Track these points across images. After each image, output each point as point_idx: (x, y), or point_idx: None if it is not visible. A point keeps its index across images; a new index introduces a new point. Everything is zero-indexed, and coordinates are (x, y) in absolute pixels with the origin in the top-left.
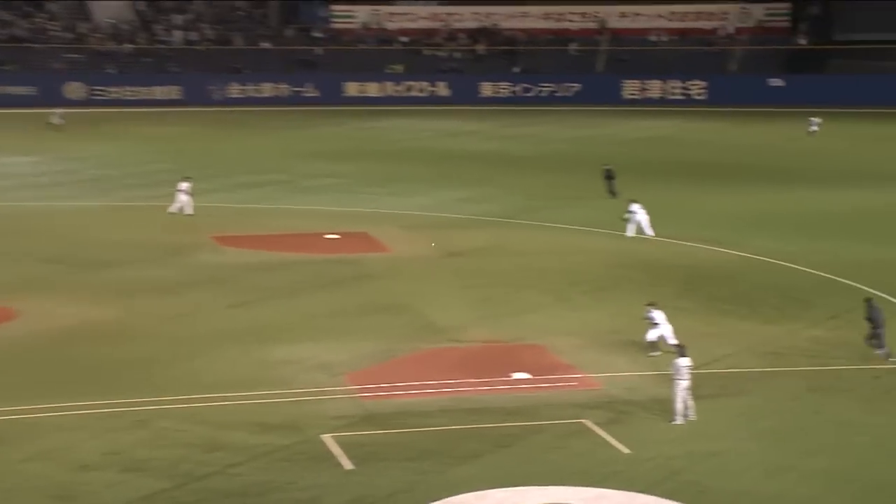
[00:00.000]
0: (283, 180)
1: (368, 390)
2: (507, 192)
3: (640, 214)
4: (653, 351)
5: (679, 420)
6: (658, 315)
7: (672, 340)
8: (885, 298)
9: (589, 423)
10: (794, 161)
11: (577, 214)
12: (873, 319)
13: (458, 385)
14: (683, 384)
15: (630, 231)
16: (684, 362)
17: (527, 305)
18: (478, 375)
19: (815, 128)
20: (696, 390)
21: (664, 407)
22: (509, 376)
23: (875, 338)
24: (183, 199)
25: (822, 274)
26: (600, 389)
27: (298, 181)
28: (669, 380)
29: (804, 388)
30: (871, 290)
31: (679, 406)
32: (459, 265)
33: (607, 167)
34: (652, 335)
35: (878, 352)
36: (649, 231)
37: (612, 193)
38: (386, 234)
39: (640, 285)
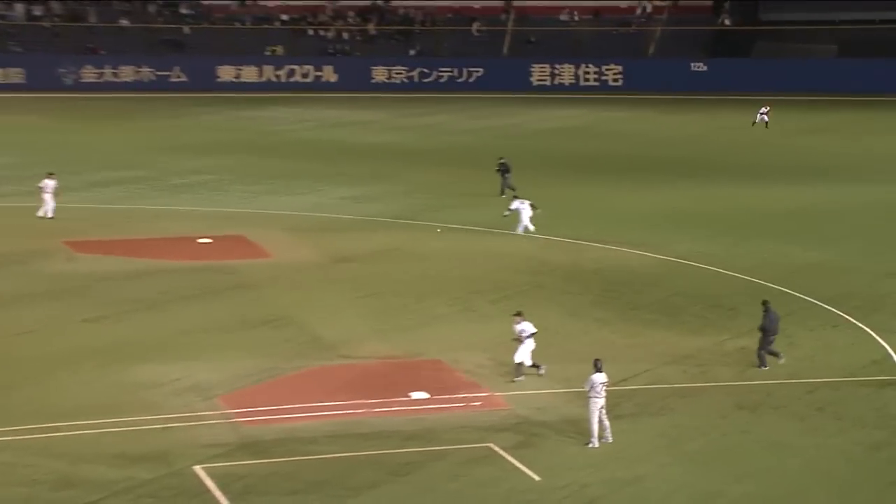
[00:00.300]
0: (148, 177)
1: (247, 414)
2: (403, 189)
3: (523, 210)
4: (517, 375)
5: (595, 443)
6: (527, 328)
7: (528, 361)
8: (819, 306)
9: (495, 448)
10: (719, 154)
11: (481, 215)
12: (766, 329)
13: (350, 407)
14: (599, 402)
15: (521, 229)
16: (600, 378)
17: (427, 317)
18: (372, 396)
19: (763, 117)
20: (613, 409)
21: (578, 428)
22: (407, 396)
23: (764, 349)
24: (48, 200)
25: (751, 279)
26: (508, 410)
27: (166, 178)
28: (584, 398)
29: (732, 406)
30: (804, 297)
31: (595, 427)
32: (351, 272)
33: (502, 160)
34: (521, 355)
35: (763, 369)
36: (531, 227)
37: (508, 189)
38: (266, 238)
39: (552, 293)
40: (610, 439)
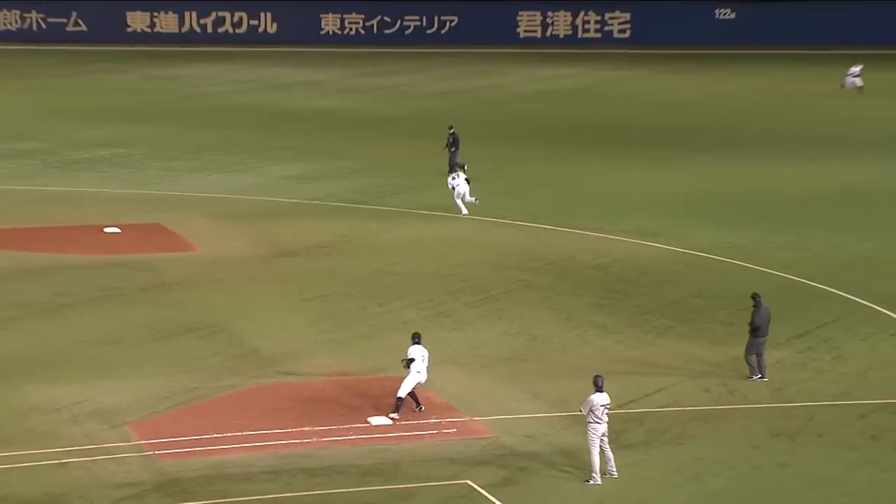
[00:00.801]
0: (39, 150)
1: (165, 445)
2: (358, 166)
3: (460, 185)
4: (393, 412)
5: (596, 479)
6: (413, 353)
7: (407, 390)
8: (872, 309)
9: (474, 486)
10: (747, 123)
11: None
12: (757, 327)
13: (294, 436)
14: (600, 429)
15: (465, 208)
16: (601, 399)
17: (389, 324)
18: (321, 422)
19: (855, 80)
20: (618, 437)
21: (576, 461)
22: (365, 422)
23: (753, 353)
24: None
25: (789, 276)
26: (490, 438)
27: (62, 152)
28: (582, 423)
29: (765, 433)
30: (855, 299)
31: (595, 459)
32: (295, 269)
33: (451, 130)
34: (407, 387)
35: (756, 378)
36: (468, 199)
37: (457, 167)
38: (190, 227)
39: (544, 294)
40: (615, 474)
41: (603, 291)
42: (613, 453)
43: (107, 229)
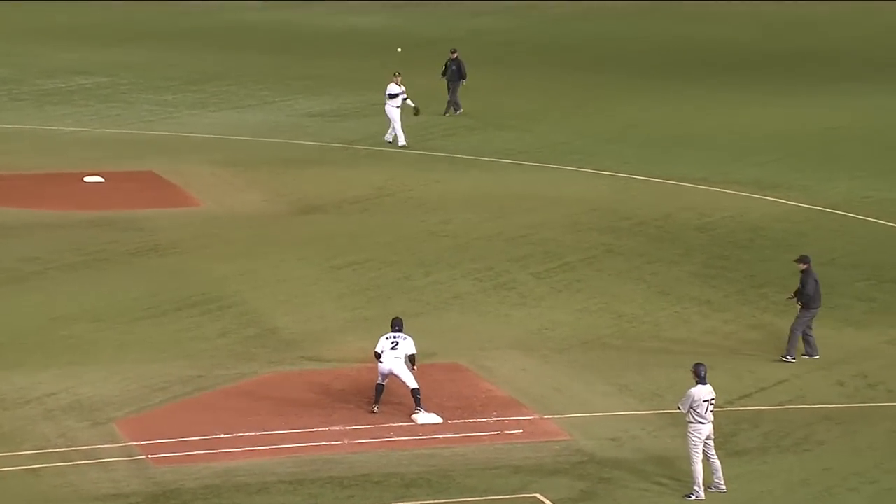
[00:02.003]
0: (3, 79)
1: (160, 448)
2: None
3: (393, 110)
4: (375, 406)
5: (700, 493)
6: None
7: (412, 384)
8: None
9: (545, 500)
10: None
11: (523, 138)
12: (811, 297)
13: (319, 436)
14: (704, 430)
15: (401, 137)
16: (704, 393)
17: (439, 297)
18: (354, 420)
19: None
20: (727, 441)
21: (673, 470)
22: (409, 420)
23: (801, 328)
24: None
25: None
26: (565, 441)
27: (32, 81)
28: (680, 423)
29: None
30: None
31: (698, 468)
32: (321, 230)
33: (454, 54)
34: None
35: (789, 359)
36: (398, 135)
37: (453, 106)
38: (191, 176)
39: (632, 262)
40: (723, 488)
41: (708, 259)
42: (721, 461)
43: (87, 178)
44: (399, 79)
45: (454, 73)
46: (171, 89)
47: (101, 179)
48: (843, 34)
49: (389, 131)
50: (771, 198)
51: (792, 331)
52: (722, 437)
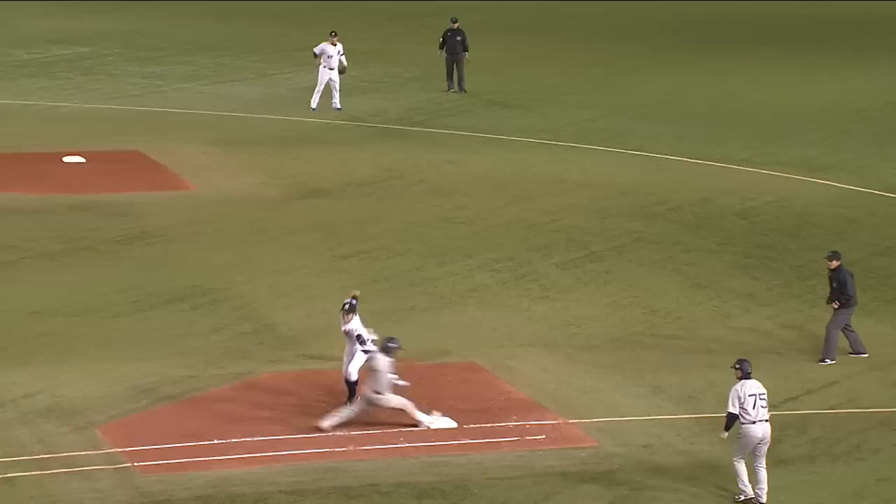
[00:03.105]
0: None
1: (147, 455)
2: (414, 73)
3: (323, 72)
4: (350, 406)
5: (746, 493)
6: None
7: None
8: None
9: None
10: None
11: (547, 117)
12: (850, 295)
13: (322, 442)
14: (757, 432)
15: (314, 101)
16: (750, 387)
17: (454, 290)
18: (360, 424)
19: None
20: (771, 449)
21: (711, 480)
22: (421, 425)
23: (840, 326)
24: None
25: None
26: (593, 448)
27: (6, 51)
28: (719, 430)
29: None
30: None
31: (743, 475)
32: (325, 215)
33: (455, 23)
34: (354, 367)
35: (828, 361)
36: (334, 101)
37: (455, 86)
38: (180, 156)
39: (667, 251)
40: (763, 499)
41: (750, 248)
42: (765, 470)
43: (67, 158)
44: (335, 38)
45: (458, 44)
46: (159, 61)
47: (83, 160)
48: None
49: (334, 96)
50: (820, 180)
51: (828, 331)
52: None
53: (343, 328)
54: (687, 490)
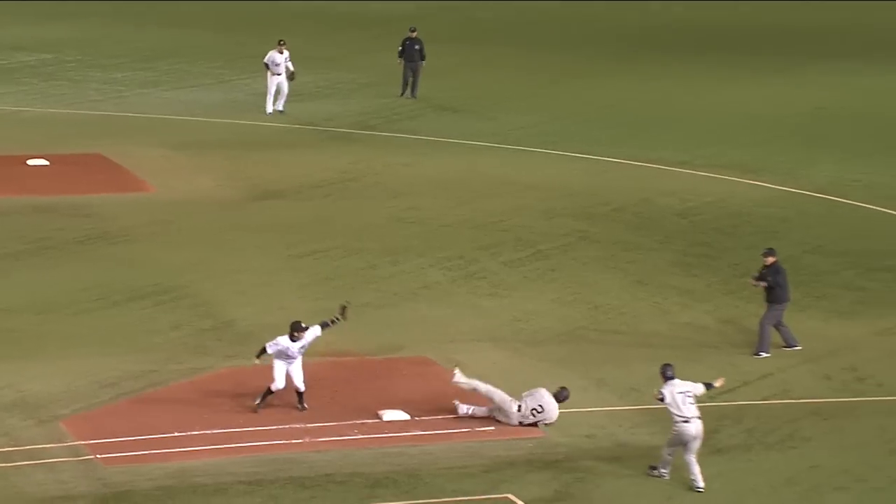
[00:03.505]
0: None
1: (110, 447)
2: (368, 79)
3: (273, 79)
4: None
5: (664, 474)
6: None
7: (299, 385)
8: None
9: (518, 502)
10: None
11: (492, 119)
12: (775, 284)
13: (279, 434)
14: (689, 430)
15: (269, 106)
16: (676, 386)
17: (406, 288)
18: (316, 417)
19: None
20: (709, 439)
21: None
22: (375, 417)
23: (771, 321)
24: None
25: None
26: (539, 438)
27: None
28: (660, 419)
29: None
30: None
31: (667, 454)
32: (281, 216)
33: (413, 32)
34: (279, 376)
35: (763, 354)
36: (279, 104)
37: (408, 92)
38: (141, 159)
39: (608, 250)
40: (700, 482)
41: (689, 246)
42: (703, 459)
43: (30, 161)
44: (283, 47)
45: (416, 52)
46: (120, 67)
47: (46, 162)
48: (832, 12)
49: (279, 100)
50: (755, 182)
51: (761, 325)
52: (704, 434)
53: (299, 347)
54: (628, 477)
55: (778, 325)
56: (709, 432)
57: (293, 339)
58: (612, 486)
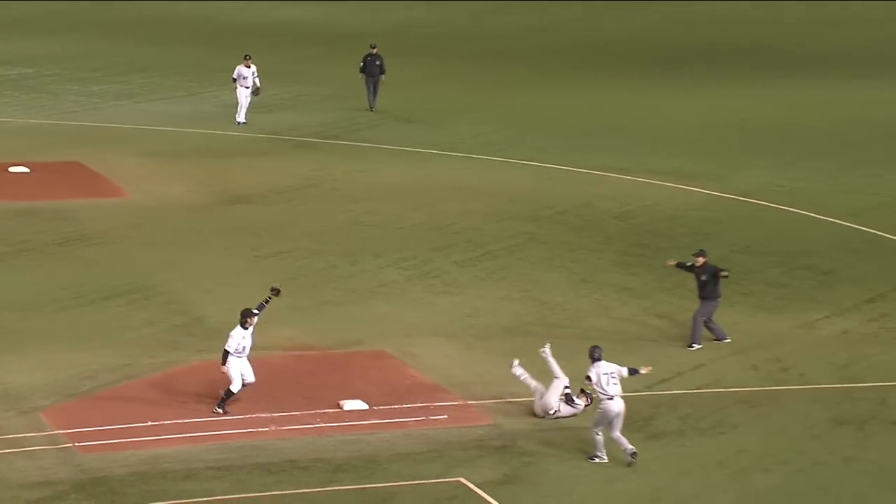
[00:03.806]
0: None
1: (87, 436)
2: (327, 92)
3: (242, 90)
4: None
5: (602, 458)
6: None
7: (249, 378)
8: None
9: (469, 485)
10: (817, 35)
11: (447, 130)
12: (704, 282)
13: (246, 423)
14: (613, 408)
15: (241, 115)
16: (602, 368)
17: (365, 286)
18: (280, 406)
19: None
20: (646, 425)
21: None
22: (336, 406)
23: (703, 316)
24: None
25: (855, 226)
26: (488, 426)
27: None
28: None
29: (828, 420)
30: None
31: (597, 437)
32: (248, 219)
33: (373, 49)
34: (235, 376)
35: (695, 346)
36: (239, 113)
37: (371, 101)
38: (118, 167)
39: (554, 250)
40: (630, 447)
41: (627, 246)
42: (640, 444)
43: (12, 168)
44: (249, 61)
45: (377, 68)
46: (97, 80)
47: (27, 170)
48: (760, 27)
49: (242, 113)
50: (688, 187)
51: (694, 319)
52: (641, 421)
53: (250, 333)
54: (572, 461)
55: (708, 323)
56: (645, 419)
57: (245, 325)
58: (557, 469)
